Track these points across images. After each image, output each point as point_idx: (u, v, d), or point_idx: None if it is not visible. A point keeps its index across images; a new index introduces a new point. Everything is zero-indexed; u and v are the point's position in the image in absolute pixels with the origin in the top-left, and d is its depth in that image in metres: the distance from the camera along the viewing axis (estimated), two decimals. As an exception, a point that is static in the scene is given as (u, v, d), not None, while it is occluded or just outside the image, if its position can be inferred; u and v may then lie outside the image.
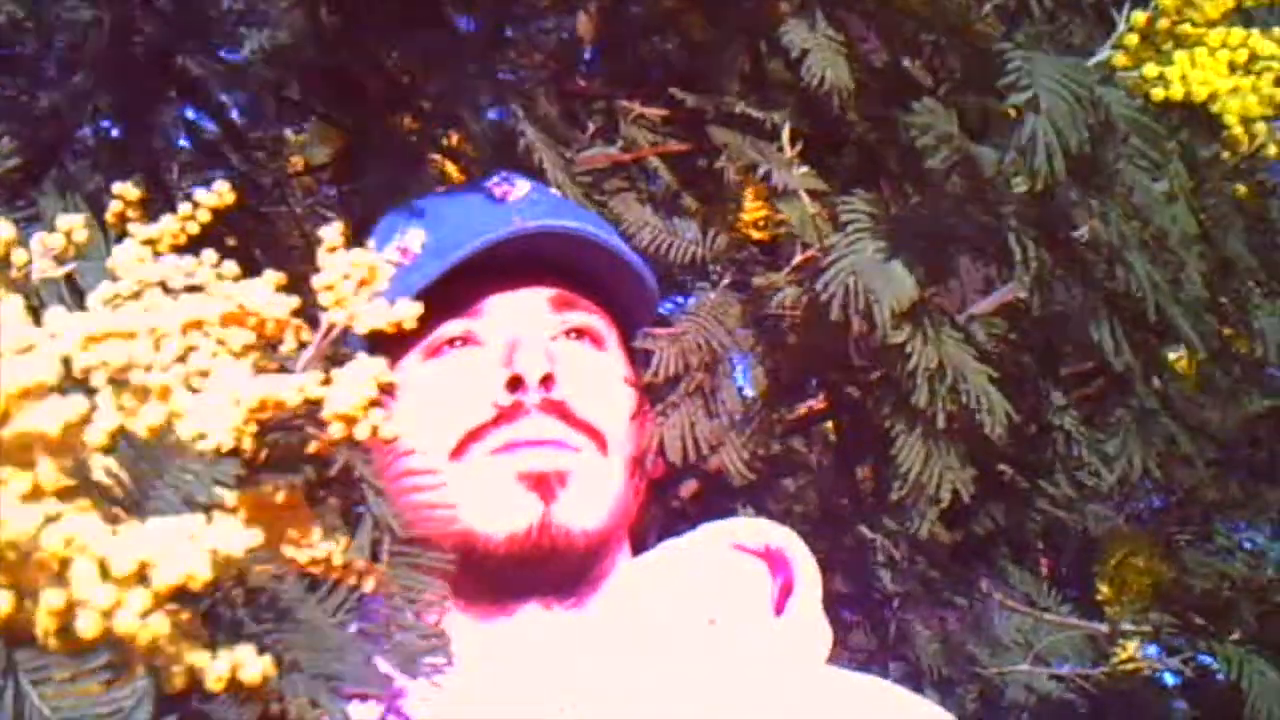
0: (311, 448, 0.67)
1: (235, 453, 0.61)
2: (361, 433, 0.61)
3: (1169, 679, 3.16)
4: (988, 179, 1.41)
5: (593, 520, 1.11)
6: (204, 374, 0.59)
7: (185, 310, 0.62)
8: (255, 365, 0.61)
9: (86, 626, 0.49)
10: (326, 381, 0.61)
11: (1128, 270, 1.40)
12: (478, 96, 1.98)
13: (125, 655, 0.52)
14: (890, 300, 1.40)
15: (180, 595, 0.55)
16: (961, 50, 1.78)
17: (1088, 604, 2.80)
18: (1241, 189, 1.53)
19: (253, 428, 0.58)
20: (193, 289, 0.67)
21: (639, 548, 1.21)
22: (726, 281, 1.82)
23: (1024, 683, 2.92)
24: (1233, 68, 1.35)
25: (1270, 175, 1.57)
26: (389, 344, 1.13)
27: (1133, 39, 1.37)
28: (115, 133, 2.13)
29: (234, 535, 0.54)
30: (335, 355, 0.64)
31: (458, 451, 1.10)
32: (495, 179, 1.26)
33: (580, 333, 1.18)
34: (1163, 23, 1.35)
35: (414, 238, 1.01)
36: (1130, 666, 2.66)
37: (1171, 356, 1.91)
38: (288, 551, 0.67)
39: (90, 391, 0.58)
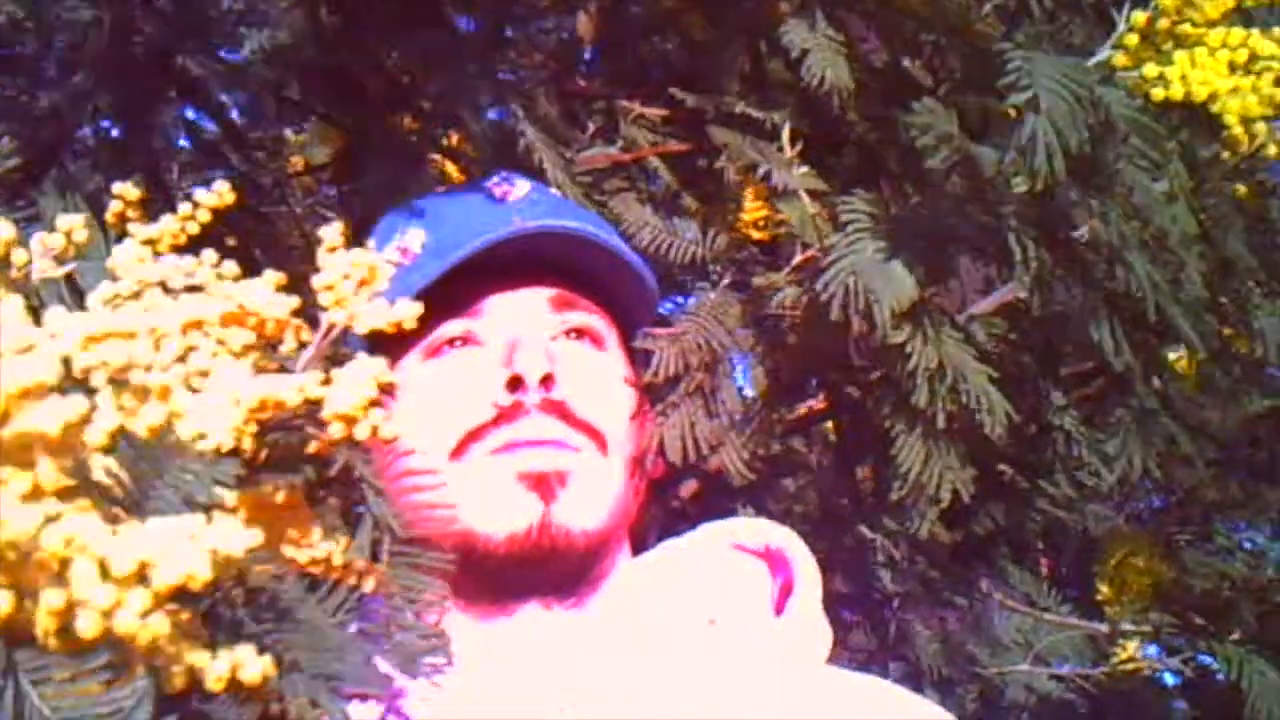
0: (312, 448, 0.67)
1: (235, 453, 0.60)
2: (361, 433, 0.61)
3: (1169, 679, 3.16)
4: (988, 179, 1.41)
5: (592, 520, 1.11)
6: (204, 374, 0.59)
7: (185, 310, 0.62)
8: (255, 365, 0.61)
9: (87, 626, 0.49)
10: (326, 381, 0.61)
11: (1128, 270, 1.39)
12: (478, 96, 1.97)
13: (125, 655, 0.52)
14: (890, 300, 1.40)
15: (180, 595, 0.55)
16: (961, 50, 1.78)
17: (1088, 604, 2.79)
18: (1242, 189, 1.53)
19: (253, 428, 0.58)
20: (193, 289, 0.67)
21: (639, 548, 1.21)
22: (726, 281, 1.81)
23: (1024, 683, 2.92)
24: (1233, 68, 1.35)
25: (1270, 175, 1.56)
26: (389, 344, 1.13)
27: (1133, 39, 1.37)
28: (115, 133, 2.13)
29: (234, 535, 0.54)
30: (335, 355, 0.64)
31: (458, 451, 1.10)
32: (495, 179, 1.26)
33: (580, 333, 1.18)
34: (1163, 23, 1.35)
35: (414, 238, 1.01)
36: (1130, 666, 2.66)
37: (1172, 357, 1.91)
38: (288, 552, 0.67)
39: (90, 392, 0.58)
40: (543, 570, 1.10)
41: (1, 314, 0.54)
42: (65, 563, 0.51)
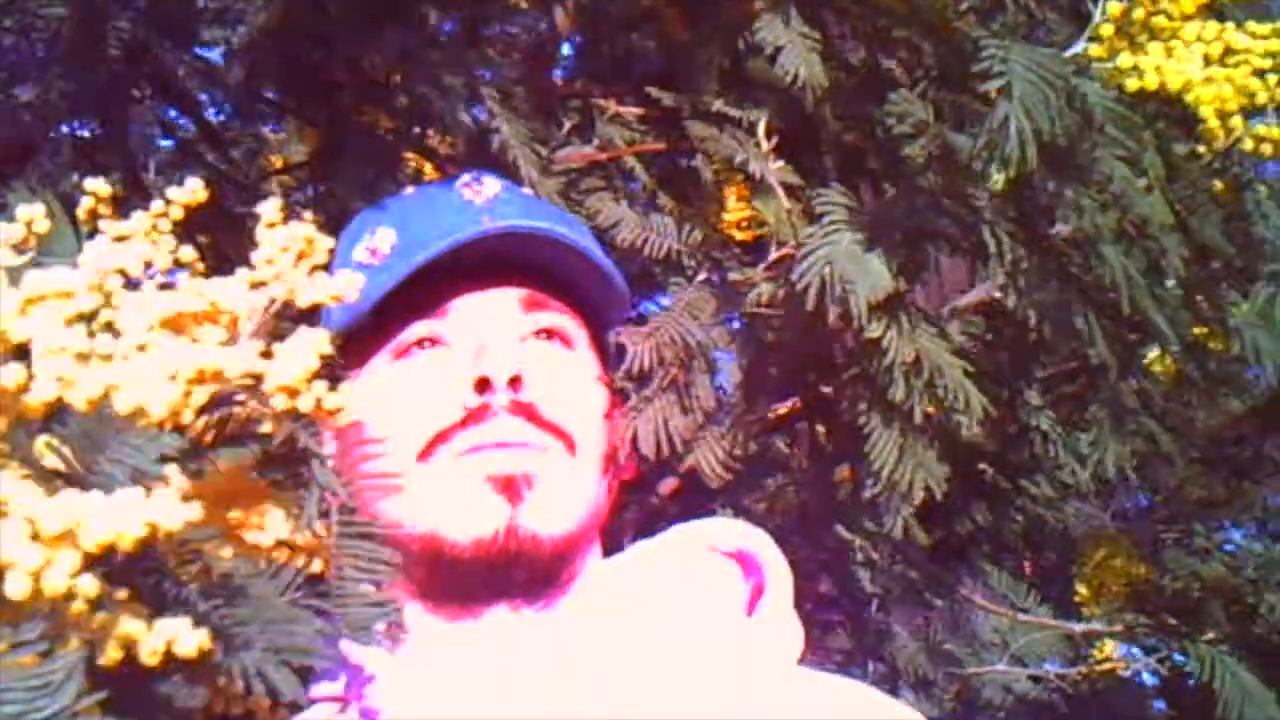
0: (266, 428, 0.66)
1: (179, 429, 0.59)
2: (305, 405, 0.60)
3: (1147, 679, 3.16)
4: (965, 174, 1.41)
5: (560, 523, 1.09)
6: (141, 348, 0.57)
7: (158, 304, 0.61)
8: (192, 336, 0.60)
9: (16, 589, 0.48)
10: (267, 354, 0.60)
11: (1102, 263, 1.39)
12: (453, 94, 1.96)
13: (59, 625, 0.51)
14: (867, 291, 1.39)
15: (124, 569, 0.54)
16: (938, 47, 1.77)
17: (1066, 604, 2.80)
18: (1218, 185, 1.52)
19: (195, 401, 0.57)
20: (165, 287, 0.66)
21: (611, 549, 1.20)
22: (702, 277, 1.81)
23: (1001, 683, 2.91)
24: (1207, 60, 1.35)
25: (1245, 169, 1.56)
26: (359, 345, 1.12)
27: (1108, 29, 1.36)
28: (91, 130, 2.12)
29: (172, 509, 0.53)
30: (279, 331, 0.63)
31: (425, 453, 1.09)
32: (465, 178, 1.25)
33: (550, 334, 1.17)
34: (1138, 13, 1.35)
35: (383, 238, 1.00)
36: (1107, 666, 2.66)
37: (1150, 356, 1.91)
38: (245, 535, 0.66)
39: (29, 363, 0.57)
40: (510, 573, 1.08)
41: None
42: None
